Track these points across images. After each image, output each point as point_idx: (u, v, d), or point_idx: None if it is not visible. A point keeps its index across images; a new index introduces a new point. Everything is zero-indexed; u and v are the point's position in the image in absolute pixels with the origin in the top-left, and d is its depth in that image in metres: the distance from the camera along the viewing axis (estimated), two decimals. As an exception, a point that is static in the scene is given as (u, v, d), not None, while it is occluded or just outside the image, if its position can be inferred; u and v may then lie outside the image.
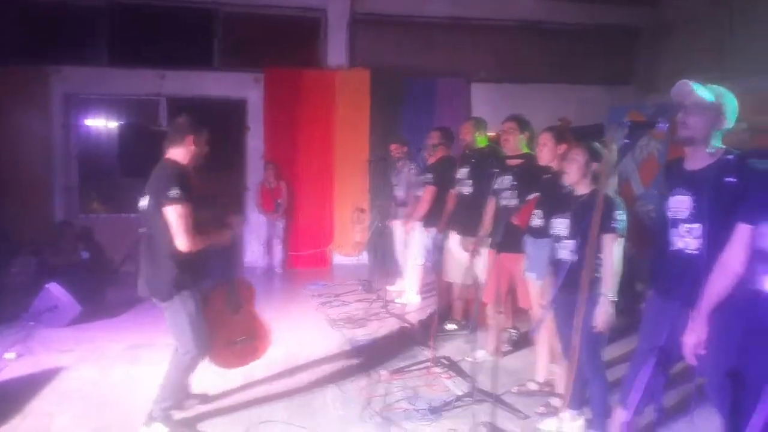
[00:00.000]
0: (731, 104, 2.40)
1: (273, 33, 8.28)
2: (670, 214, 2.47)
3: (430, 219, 5.52)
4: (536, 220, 3.65)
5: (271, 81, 8.11)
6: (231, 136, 8.27)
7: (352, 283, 6.83)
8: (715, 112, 2.36)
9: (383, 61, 8.22)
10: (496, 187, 4.12)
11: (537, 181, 3.70)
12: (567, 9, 8.38)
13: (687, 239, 2.39)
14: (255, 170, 8.23)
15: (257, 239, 8.01)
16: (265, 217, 7.90)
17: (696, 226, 2.34)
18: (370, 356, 4.48)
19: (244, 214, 8.12)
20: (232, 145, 8.29)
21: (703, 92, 2.36)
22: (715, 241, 2.21)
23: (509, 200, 4.04)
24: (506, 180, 4.09)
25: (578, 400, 3.16)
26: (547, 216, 3.33)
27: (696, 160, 2.42)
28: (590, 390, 3.09)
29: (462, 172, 4.87)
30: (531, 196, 3.78)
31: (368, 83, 8.08)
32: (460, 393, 3.76)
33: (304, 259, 8.23)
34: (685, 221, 2.40)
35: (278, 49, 8.24)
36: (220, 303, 3.46)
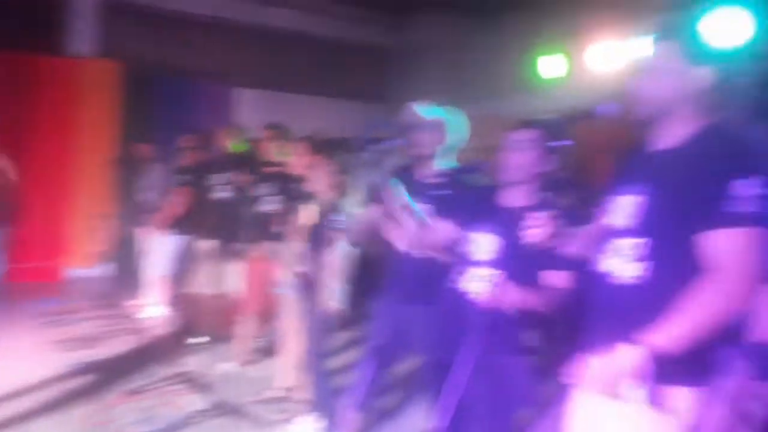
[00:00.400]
0: (455, 123, 2.66)
1: (4, 13, 7.08)
2: None
3: (180, 225, 5.20)
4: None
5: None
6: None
7: (88, 298, 6.07)
8: (438, 130, 2.58)
9: (137, 55, 7.56)
10: (254, 194, 4.09)
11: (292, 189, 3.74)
12: (326, 23, 8.67)
13: None
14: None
15: (-32, 248, 6.69)
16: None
17: None
18: (103, 378, 3.99)
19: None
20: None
21: (428, 112, 2.59)
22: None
23: (267, 206, 4.03)
24: (264, 187, 4.08)
25: (320, 403, 3.20)
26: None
27: (425, 174, 2.64)
28: (317, 391, 3.16)
29: (218, 178, 4.73)
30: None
31: (117, 77, 7.36)
32: (200, 408, 3.56)
33: (31, 271, 7.10)
34: None
35: (10, 31, 7.07)
36: None
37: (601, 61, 4.59)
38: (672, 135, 1.55)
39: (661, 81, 1.53)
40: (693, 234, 1.42)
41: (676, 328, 1.39)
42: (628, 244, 1.55)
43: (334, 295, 3.01)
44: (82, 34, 7.50)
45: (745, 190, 1.34)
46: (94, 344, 4.69)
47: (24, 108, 7.03)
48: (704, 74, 1.50)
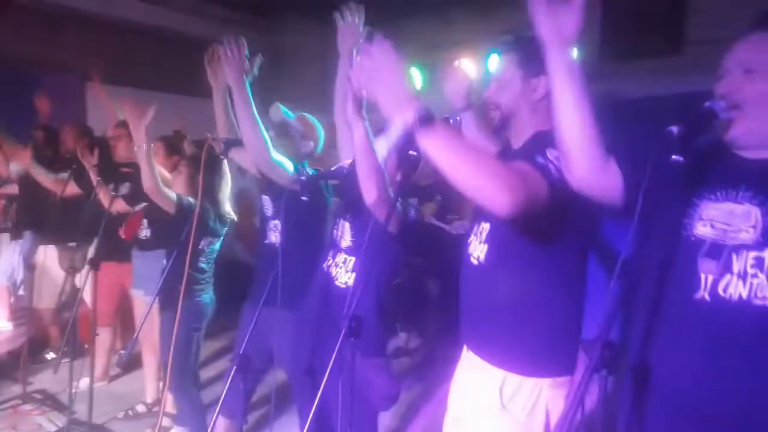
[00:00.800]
0: (318, 129, 2.77)
1: None
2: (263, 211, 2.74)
3: (21, 226, 4.80)
4: (144, 231, 3.56)
5: None
6: None
7: None
8: (297, 134, 2.67)
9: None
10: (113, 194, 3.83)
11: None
12: (184, 19, 8.33)
13: (275, 233, 2.63)
14: None
15: None
16: None
17: (277, 222, 2.61)
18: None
19: None
20: None
21: (289, 114, 2.66)
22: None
23: (119, 207, 3.78)
24: (122, 187, 3.82)
25: (187, 416, 3.16)
26: (154, 227, 3.29)
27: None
28: (182, 403, 3.14)
29: (64, 175, 4.33)
30: (139, 207, 3.65)
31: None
32: (55, 429, 3.40)
33: None
34: (271, 218, 2.67)
35: None
36: None
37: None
38: (516, 139, 1.77)
39: (505, 90, 1.73)
40: None
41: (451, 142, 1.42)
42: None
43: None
44: None
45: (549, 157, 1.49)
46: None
47: None
48: (540, 84, 1.67)
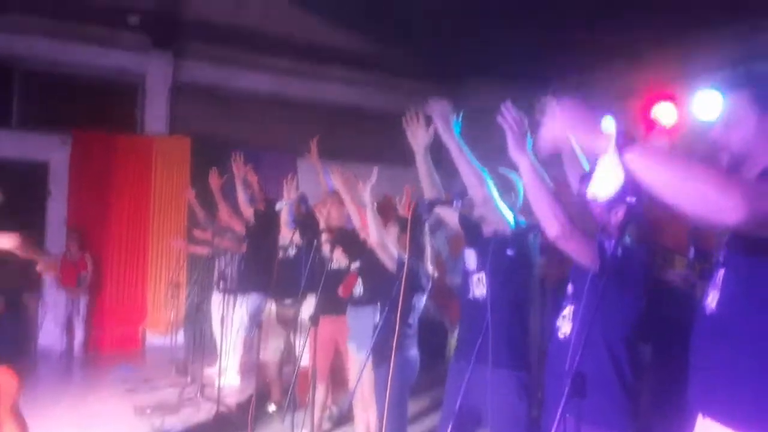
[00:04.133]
0: (518, 183, 2.80)
1: (84, 94, 7.76)
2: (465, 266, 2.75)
3: (248, 283, 5.36)
4: (358, 289, 3.77)
5: (80, 144, 7.51)
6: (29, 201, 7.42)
7: (165, 366, 6.28)
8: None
9: (204, 131, 8.05)
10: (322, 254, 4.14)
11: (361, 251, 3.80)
12: (381, 97, 9.01)
13: (479, 288, 2.61)
14: (55, 240, 7.40)
15: (54, 319, 7.11)
16: (65, 292, 7.08)
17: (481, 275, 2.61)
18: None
19: (38, 290, 7.19)
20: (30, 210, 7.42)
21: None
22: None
23: (335, 266, 4.11)
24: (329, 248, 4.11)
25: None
26: (368, 284, 3.47)
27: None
28: None
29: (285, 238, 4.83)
30: (354, 266, 3.90)
31: (189, 151, 7.85)
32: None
33: (111, 340, 7.46)
34: (474, 272, 2.66)
35: (89, 112, 7.71)
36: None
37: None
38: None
39: (736, 130, 1.57)
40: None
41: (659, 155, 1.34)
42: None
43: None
44: (156, 113, 8.06)
45: None
46: (174, 411, 4.84)
47: (106, 182, 7.56)
48: None
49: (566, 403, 1.52)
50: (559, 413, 1.53)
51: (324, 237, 3.92)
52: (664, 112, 5.15)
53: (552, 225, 1.96)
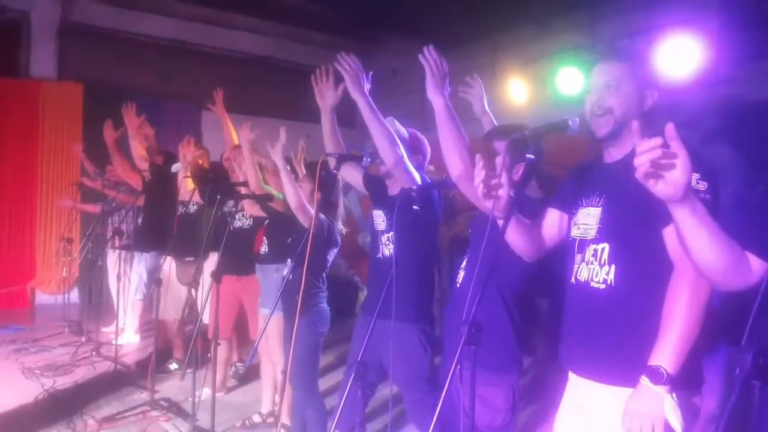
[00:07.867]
0: (426, 145, 2.86)
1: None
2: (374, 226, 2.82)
3: (146, 240, 5.19)
4: (264, 247, 3.72)
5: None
6: None
7: (58, 326, 5.93)
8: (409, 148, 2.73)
9: (99, 77, 7.47)
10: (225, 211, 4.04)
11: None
12: (297, 49, 8.75)
13: (388, 247, 2.67)
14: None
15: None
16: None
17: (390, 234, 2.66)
18: (76, 405, 3.95)
19: None
20: None
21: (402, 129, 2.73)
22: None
23: (240, 223, 4.09)
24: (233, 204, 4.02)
25: (300, 426, 3.22)
26: (273, 243, 3.42)
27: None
28: (307, 414, 3.16)
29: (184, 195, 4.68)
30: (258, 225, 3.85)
31: (81, 99, 7.30)
32: (179, 435, 3.56)
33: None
34: (384, 232, 2.72)
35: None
36: None
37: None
38: (620, 149, 1.75)
39: (618, 96, 1.72)
40: (660, 230, 1.59)
41: (679, 344, 1.53)
42: (595, 251, 1.72)
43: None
44: (43, 56, 7.39)
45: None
46: (66, 371, 4.60)
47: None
48: (653, 94, 1.72)
49: (462, 351, 1.59)
50: (454, 362, 1.60)
51: (242, 191, 3.77)
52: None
53: (456, 165, 2.06)
